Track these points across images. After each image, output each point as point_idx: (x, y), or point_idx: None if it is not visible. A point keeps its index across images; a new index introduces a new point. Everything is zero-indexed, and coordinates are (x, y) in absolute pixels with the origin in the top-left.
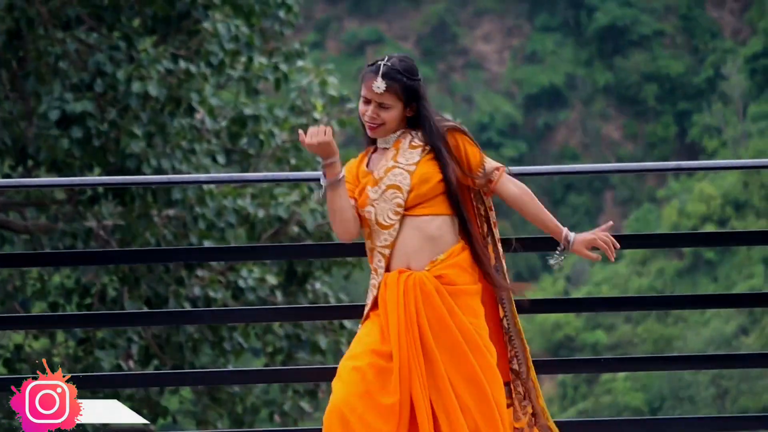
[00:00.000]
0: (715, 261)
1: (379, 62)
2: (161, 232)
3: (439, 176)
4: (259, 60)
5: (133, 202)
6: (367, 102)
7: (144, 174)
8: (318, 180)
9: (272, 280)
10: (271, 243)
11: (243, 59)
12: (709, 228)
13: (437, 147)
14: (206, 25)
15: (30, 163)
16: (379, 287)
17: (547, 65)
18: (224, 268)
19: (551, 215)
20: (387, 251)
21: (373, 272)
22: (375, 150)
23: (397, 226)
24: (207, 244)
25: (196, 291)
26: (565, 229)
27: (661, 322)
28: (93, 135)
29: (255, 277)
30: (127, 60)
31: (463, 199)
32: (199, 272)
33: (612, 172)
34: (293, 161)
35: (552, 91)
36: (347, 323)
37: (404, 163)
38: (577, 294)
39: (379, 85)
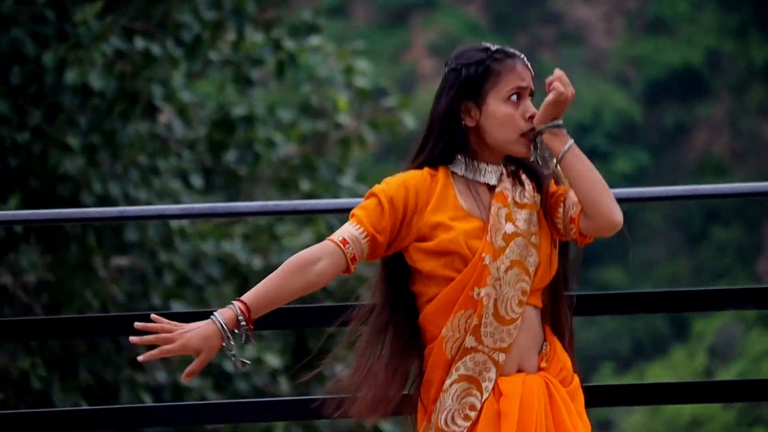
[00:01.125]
0: None
1: (496, 46)
2: (109, 290)
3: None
4: (254, 36)
5: (68, 247)
6: (518, 100)
7: (83, 205)
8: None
9: (273, 360)
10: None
11: (229, 35)
12: None
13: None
14: None
15: None
16: (483, 404)
17: (679, 38)
18: None
19: None
20: (502, 356)
21: (458, 379)
22: (447, 174)
23: (519, 322)
24: (176, 307)
25: (161, 377)
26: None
27: None
28: (7, 149)
29: (248, 358)
30: (58, 37)
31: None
32: None
33: None
34: (305, 185)
35: (687, 75)
36: (386, 425)
37: (524, 228)
38: (726, 374)
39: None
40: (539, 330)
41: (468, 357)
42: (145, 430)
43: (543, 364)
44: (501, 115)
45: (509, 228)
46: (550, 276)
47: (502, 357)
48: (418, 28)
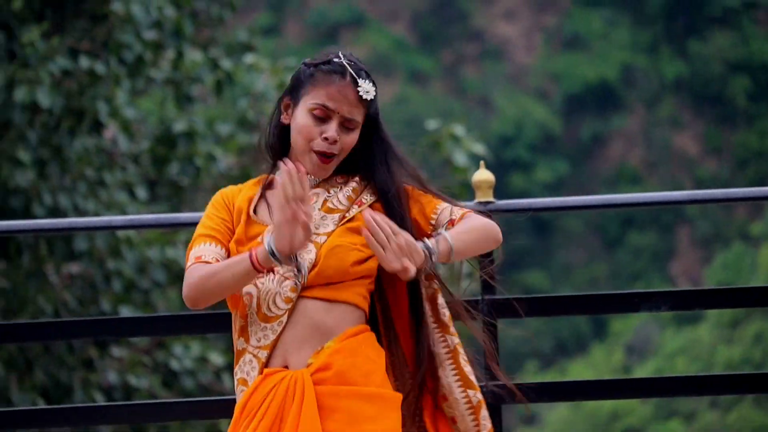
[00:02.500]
0: None
1: (341, 59)
2: (61, 296)
3: (362, 255)
4: (192, 55)
5: (20, 255)
6: (323, 119)
7: (34, 216)
8: None
9: (218, 359)
10: (215, 309)
11: (169, 54)
12: None
13: (397, 213)
14: (117, 6)
15: None
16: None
17: (594, 53)
18: (150, 345)
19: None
20: (264, 354)
21: (237, 383)
22: (269, 185)
23: (284, 318)
24: (125, 311)
25: (112, 378)
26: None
27: (761, 408)
28: None
29: (194, 357)
30: (6, 57)
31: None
32: (116, 351)
33: (687, 202)
34: None
35: (602, 90)
36: None
37: (311, 229)
38: (642, 371)
39: (368, 89)
40: (322, 325)
41: (241, 359)
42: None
43: (310, 360)
44: (300, 123)
45: None
46: (336, 278)
47: (263, 354)
48: (347, 46)
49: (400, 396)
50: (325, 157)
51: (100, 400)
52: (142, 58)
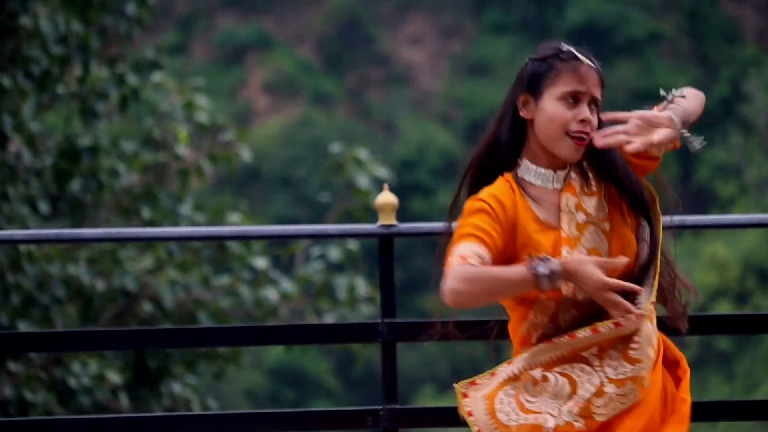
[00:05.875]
0: (731, 353)
1: (571, 49)
2: None
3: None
4: (99, 70)
5: None
6: (575, 103)
7: None
8: (178, 239)
9: (115, 378)
10: (113, 326)
11: (76, 69)
12: (724, 307)
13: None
14: (25, 21)
15: None
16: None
17: (499, 79)
18: (47, 361)
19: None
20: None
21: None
22: (519, 184)
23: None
24: (23, 326)
25: (7, 392)
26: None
27: None
28: None
29: (91, 374)
30: None
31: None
32: (12, 366)
33: None
34: (146, 213)
35: None
36: None
37: (594, 216)
38: None
39: (600, 69)
40: None
41: (542, 335)
42: None
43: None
44: (551, 111)
45: (580, 217)
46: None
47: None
48: (254, 67)
49: None
50: (580, 139)
51: None
52: (49, 73)
